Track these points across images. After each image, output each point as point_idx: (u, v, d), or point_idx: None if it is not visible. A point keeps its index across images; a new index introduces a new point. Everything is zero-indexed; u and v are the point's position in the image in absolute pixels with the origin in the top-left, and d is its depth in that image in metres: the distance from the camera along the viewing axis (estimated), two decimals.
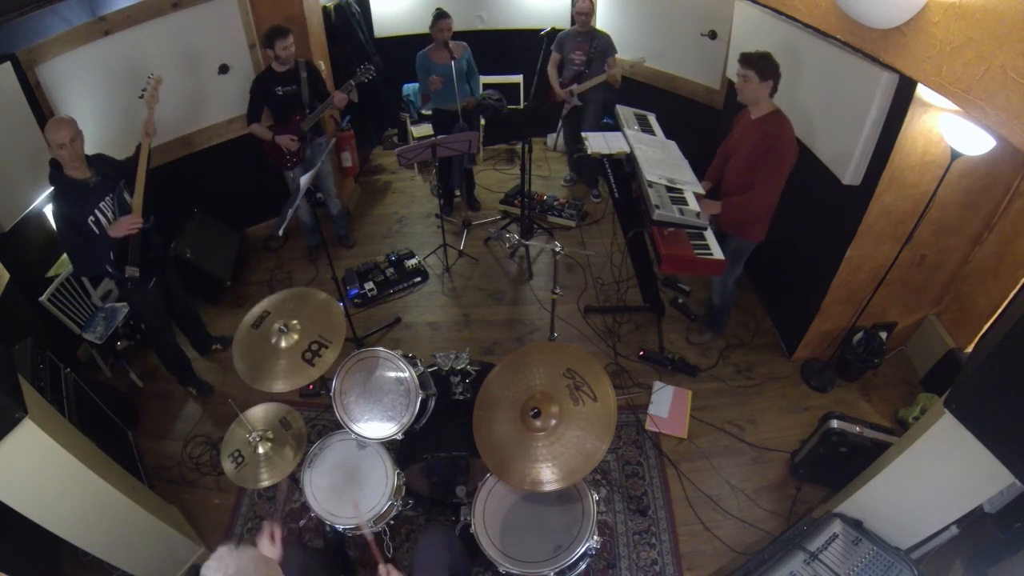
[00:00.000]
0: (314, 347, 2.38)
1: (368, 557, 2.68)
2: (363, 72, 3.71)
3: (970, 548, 2.53)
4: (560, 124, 5.28)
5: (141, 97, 2.90)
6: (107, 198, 2.75)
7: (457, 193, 5.06)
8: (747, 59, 2.76)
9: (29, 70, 3.13)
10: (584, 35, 4.35)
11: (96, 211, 2.70)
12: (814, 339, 3.47)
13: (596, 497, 2.24)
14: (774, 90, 2.78)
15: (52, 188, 2.70)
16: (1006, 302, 2.95)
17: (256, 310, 2.49)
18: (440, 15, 4.08)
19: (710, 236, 3.04)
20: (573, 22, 4.56)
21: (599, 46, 4.33)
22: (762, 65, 2.72)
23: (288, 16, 3.92)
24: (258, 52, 3.95)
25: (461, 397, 2.58)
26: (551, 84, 4.51)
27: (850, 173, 2.81)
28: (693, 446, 3.16)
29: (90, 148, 3.50)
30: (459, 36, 4.51)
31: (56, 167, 2.65)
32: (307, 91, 3.76)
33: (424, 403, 2.45)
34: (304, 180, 2.98)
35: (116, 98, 3.50)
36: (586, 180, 5.18)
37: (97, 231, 2.72)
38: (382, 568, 1.63)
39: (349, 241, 4.69)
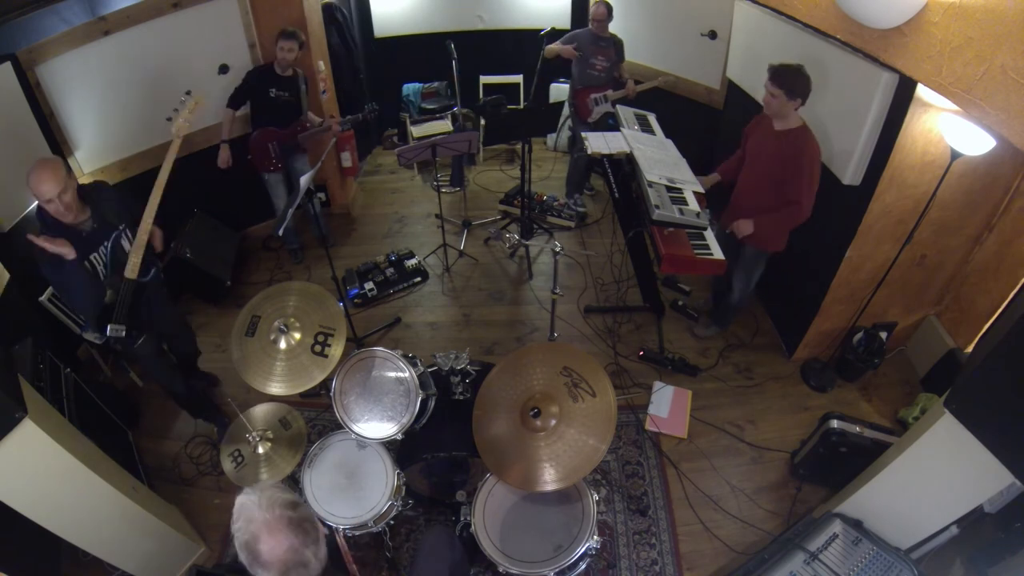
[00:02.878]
0: (320, 338, 2.39)
1: (367, 557, 2.69)
2: (369, 111, 3.81)
3: (970, 548, 2.53)
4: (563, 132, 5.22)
5: (169, 120, 2.51)
6: (101, 248, 2.33)
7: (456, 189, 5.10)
8: (777, 77, 2.62)
9: (29, 70, 3.13)
10: (606, 40, 4.18)
11: (86, 262, 2.30)
12: (814, 339, 3.47)
13: (596, 497, 2.24)
14: (802, 104, 2.70)
15: (39, 229, 2.25)
16: (1006, 302, 2.95)
17: (243, 317, 2.45)
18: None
19: (710, 236, 3.04)
20: (574, 24, 4.50)
21: (619, 53, 4.25)
22: (792, 84, 2.61)
23: (288, 16, 3.93)
24: (258, 52, 3.96)
25: (461, 397, 2.58)
26: (559, 51, 4.22)
27: (850, 173, 2.81)
28: (693, 446, 3.15)
29: (90, 149, 3.54)
30: (459, 36, 4.53)
31: (40, 207, 2.26)
32: (304, 103, 3.78)
33: (424, 403, 2.45)
34: (304, 180, 2.98)
35: (116, 98, 3.50)
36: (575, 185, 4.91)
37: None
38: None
39: (329, 241, 4.60)
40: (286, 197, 4.01)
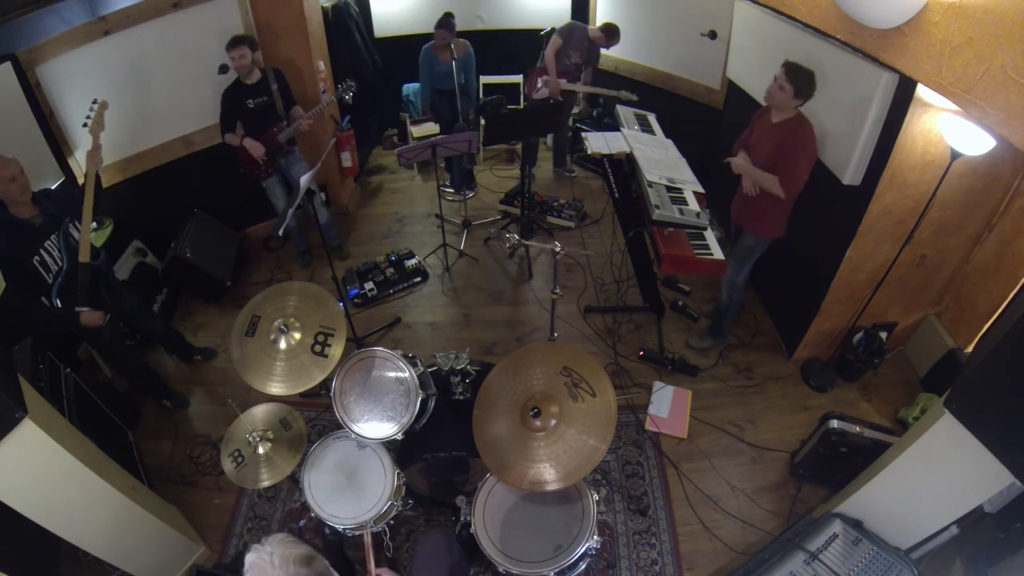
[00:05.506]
0: (320, 338, 2.39)
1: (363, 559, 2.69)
2: (343, 89, 3.68)
3: (970, 548, 2.53)
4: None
5: (85, 126, 2.79)
6: (52, 237, 2.62)
7: (467, 193, 5.12)
8: (793, 72, 2.68)
9: (29, 70, 3.13)
10: (591, 44, 4.50)
11: (42, 251, 2.57)
12: (814, 339, 3.47)
13: (596, 497, 2.24)
14: (802, 104, 2.76)
15: None
16: (1006, 302, 2.95)
17: (243, 317, 2.45)
18: (438, 23, 4.37)
19: (710, 236, 3.04)
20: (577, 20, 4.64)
21: (594, 56, 4.59)
22: (803, 85, 2.68)
23: (288, 16, 3.93)
24: (258, 52, 3.95)
25: (461, 397, 2.58)
26: (547, 68, 4.52)
27: (850, 173, 2.81)
28: (693, 446, 3.15)
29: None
30: (459, 36, 4.54)
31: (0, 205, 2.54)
32: (280, 101, 3.71)
33: (424, 403, 2.45)
34: (304, 180, 2.98)
35: (116, 98, 3.47)
36: (556, 159, 5.40)
37: (44, 273, 2.57)
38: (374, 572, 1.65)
39: (343, 252, 4.57)
40: (285, 198, 3.98)
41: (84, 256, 2.64)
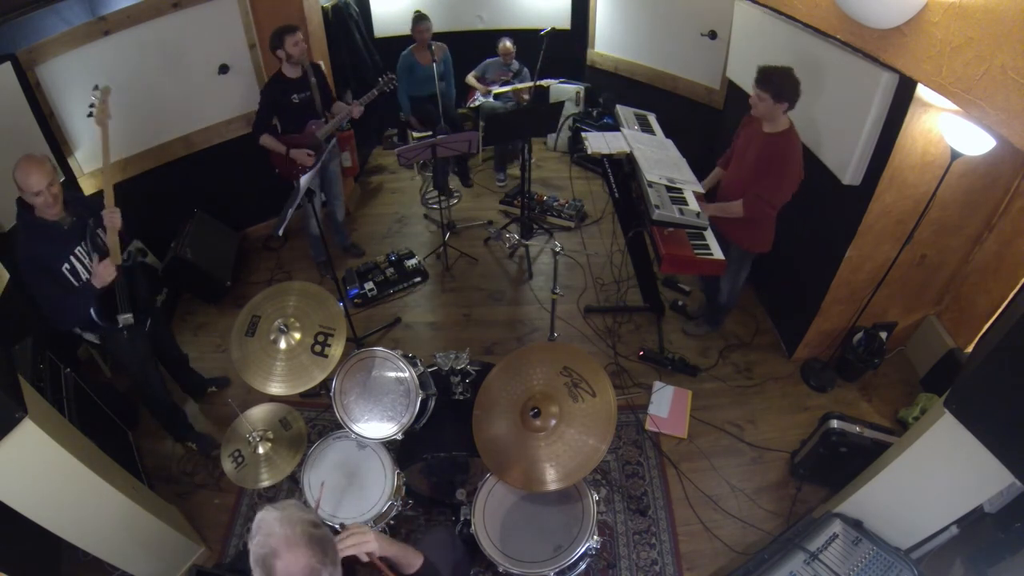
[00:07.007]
0: (320, 338, 2.39)
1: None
2: (385, 83, 3.69)
3: (970, 548, 2.53)
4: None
5: (90, 115, 2.51)
6: (81, 243, 2.39)
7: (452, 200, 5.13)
8: (765, 80, 2.62)
9: (29, 70, 3.13)
10: (507, 67, 5.07)
11: (72, 257, 2.33)
12: (814, 339, 3.47)
13: (596, 497, 2.24)
14: (790, 108, 2.71)
15: (20, 230, 2.29)
16: (1006, 302, 2.95)
17: (243, 317, 2.44)
18: (417, 18, 4.55)
19: (710, 236, 3.04)
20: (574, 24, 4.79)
21: (519, 77, 5.06)
22: (779, 88, 2.61)
23: (288, 16, 3.92)
24: (258, 52, 3.94)
25: (461, 397, 2.58)
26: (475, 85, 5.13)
27: (850, 173, 2.81)
28: (693, 446, 3.15)
29: (90, 149, 3.54)
30: (459, 36, 4.57)
31: (25, 206, 2.27)
32: (319, 97, 3.64)
33: (424, 403, 2.45)
34: (304, 180, 2.97)
35: (116, 98, 3.47)
36: (496, 163, 5.40)
37: (75, 281, 2.34)
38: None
39: (359, 250, 4.53)
40: (319, 194, 3.89)
41: (116, 258, 2.39)
